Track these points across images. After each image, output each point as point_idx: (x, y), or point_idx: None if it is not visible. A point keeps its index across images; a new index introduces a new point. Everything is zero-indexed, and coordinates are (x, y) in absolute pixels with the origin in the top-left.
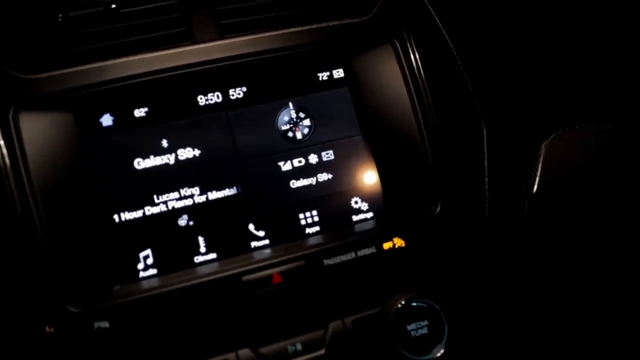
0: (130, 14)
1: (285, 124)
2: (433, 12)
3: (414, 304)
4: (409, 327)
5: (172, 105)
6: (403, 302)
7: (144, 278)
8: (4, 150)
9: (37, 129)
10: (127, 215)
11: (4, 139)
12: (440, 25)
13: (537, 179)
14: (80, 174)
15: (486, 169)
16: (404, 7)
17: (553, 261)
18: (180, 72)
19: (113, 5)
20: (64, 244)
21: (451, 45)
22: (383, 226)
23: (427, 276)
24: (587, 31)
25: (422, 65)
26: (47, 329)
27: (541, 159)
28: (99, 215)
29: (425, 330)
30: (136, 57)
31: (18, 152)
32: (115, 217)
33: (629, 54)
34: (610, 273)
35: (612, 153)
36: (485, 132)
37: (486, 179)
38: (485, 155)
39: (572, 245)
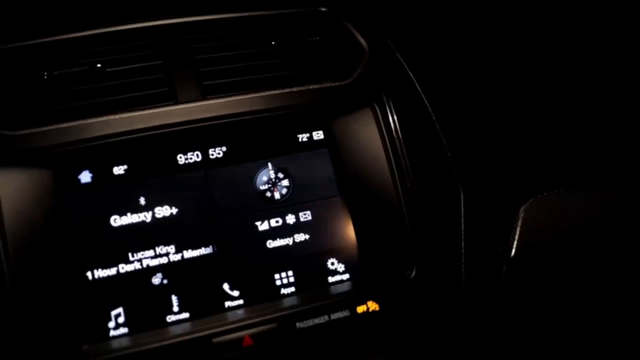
0: (115, 73)
1: (264, 184)
2: (413, 77)
3: None
4: None
5: (151, 164)
6: None
7: (114, 337)
8: None
9: (14, 184)
10: (100, 273)
11: None
12: (419, 89)
13: (515, 243)
14: (56, 230)
15: (463, 232)
16: (385, 72)
17: (531, 327)
18: (161, 131)
19: (98, 65)
20: (33, 301)
21: (430, 109)
22: (358, 289)
23: (400, 341)
24: (565, 95)
25: (400, 128)
26: None
27: (519, 223)
28: (71, 272)
29: None
30: (117, 116)
31: None
32: (89, 274)
33: (607, 118)
34: (589, 338)
35: (590, 218)
36: (462, 196)
37: (463, 243)
38: (462, 219)
39: (550, 310)
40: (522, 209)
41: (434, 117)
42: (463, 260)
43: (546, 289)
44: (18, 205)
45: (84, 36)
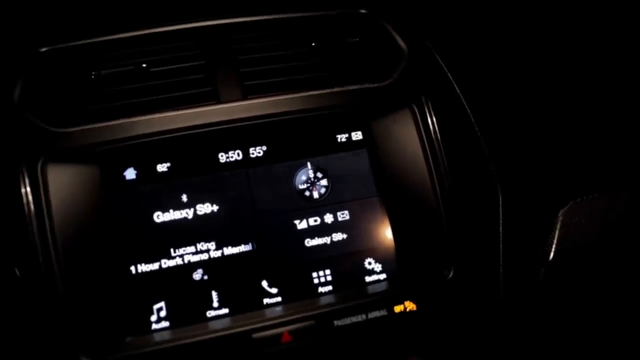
0: (159, 73)
1: (303, 184)
2: (452, 79)
3: None
4: None
5: (193, 162)
6: None
7: (156, 330)
8: (30, 200)
9: (63, 180)
10: (143, 267)
11: (31, 189)
12: (458, 91)
13: (554, 246)
14: (101, 225)
15: (501, 235)
16: (423, 73)
17: (568, 330)
18: (203, 130)
19: (143, 65)
20: (81, 294)
21: (469, 111)
22: (395, 289)
23: (438, 341)
24: (606, 100)
25: (439, 129)
26: None
27: (558, 227)
28: (116, 266)
29: None
30: (161, 115)
31: (43, 203)
32: (132, 268)
33: None
34: (628, 343)
35: (630, 222)
36: (501, 198)
37: (501, 245)
38: (501, 221)
39: (588, 315)
40: (561, 213)
41: (472, 119)
42: (501, 262)
43: (584, 293)
44: (66, 200)
45: (129, 37)
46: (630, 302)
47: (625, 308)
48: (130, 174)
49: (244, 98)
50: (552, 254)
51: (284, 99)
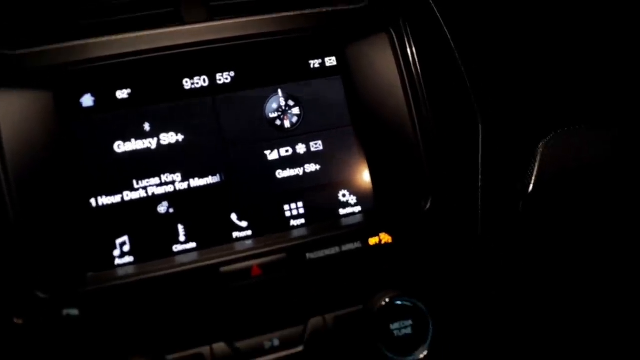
0: None
1: (274, 112)
2: (432, 2)
3: (399, 302)
4: (393, 327)
5: (156, 88)
6: (387, 300)
7: (119, 265)
8: None
9: (13, 107)
10: (104, 200)
11: None
12: (438, 16)
13: (533, 178)
14: (58, 155)
15: (480, 166)
16: None
17: (546, 263)
18: (166, 53)
19: None
20: (37, 227)
21: (449, 38)
22: (370, 221)
23: (413, 274)
24: (590, 31)
25: (418, 56)
26: (16, 320)
27: (538, 159)
28: (75, 199)
29: (409, 330)
30: (120, 36)
31: None
32: (92, 201)
33: (631, 56)
34: (605, 276)
35: (610, 156)
36: (481, 129)
37: (480, 177)
38: (480, 152)
39: (566, 247)
40: (541, 144)
41: (453, 45)
42: (480, 194)
43: (563, 225)
44: (18, 128)
45: None
46: (608, 235)
47: (604, 241)
48: (87, 100)
49: (210, 19)
50: (531, 187)
51: (252, 20)
